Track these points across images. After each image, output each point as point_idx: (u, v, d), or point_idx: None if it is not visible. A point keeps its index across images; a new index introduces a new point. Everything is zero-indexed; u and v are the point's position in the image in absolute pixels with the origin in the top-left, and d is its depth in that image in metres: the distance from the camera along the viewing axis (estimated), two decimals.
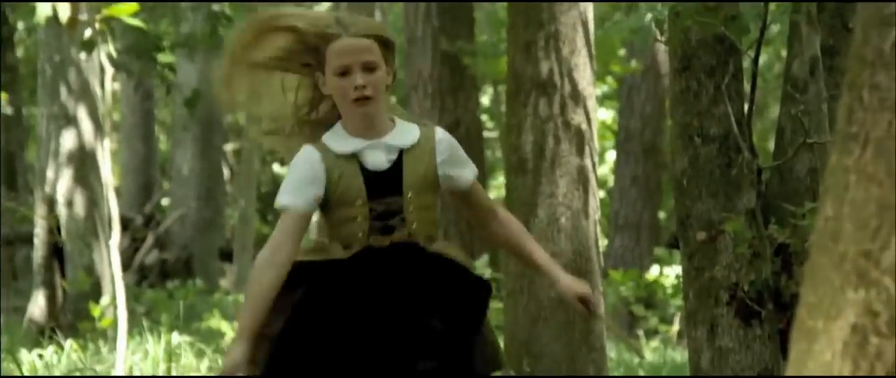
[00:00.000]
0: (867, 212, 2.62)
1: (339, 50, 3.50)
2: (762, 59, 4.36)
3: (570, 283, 3.68)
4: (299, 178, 3.51)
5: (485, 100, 16.07)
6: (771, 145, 5.86)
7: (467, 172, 3.63)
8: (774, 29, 11.34)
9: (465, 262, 3.63)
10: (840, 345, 2.67)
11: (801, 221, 4.36)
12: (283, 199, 3.52)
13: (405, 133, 3.57)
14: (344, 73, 3.48)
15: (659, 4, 4.05)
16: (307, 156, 3.54)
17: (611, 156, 15.52)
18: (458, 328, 3.56)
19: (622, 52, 13.39)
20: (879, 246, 2.61)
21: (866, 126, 2.63)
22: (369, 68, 3.49)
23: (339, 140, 3.55)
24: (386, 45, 3.52)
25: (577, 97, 6.23)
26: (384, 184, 3.53)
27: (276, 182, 18.72)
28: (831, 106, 4.54)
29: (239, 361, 3.36)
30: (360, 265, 3.53)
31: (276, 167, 20.86)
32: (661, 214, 13.82)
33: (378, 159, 3.53)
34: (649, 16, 4.04)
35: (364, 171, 3.53)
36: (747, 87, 4.75)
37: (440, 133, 3.63)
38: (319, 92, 3.57)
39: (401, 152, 3.54)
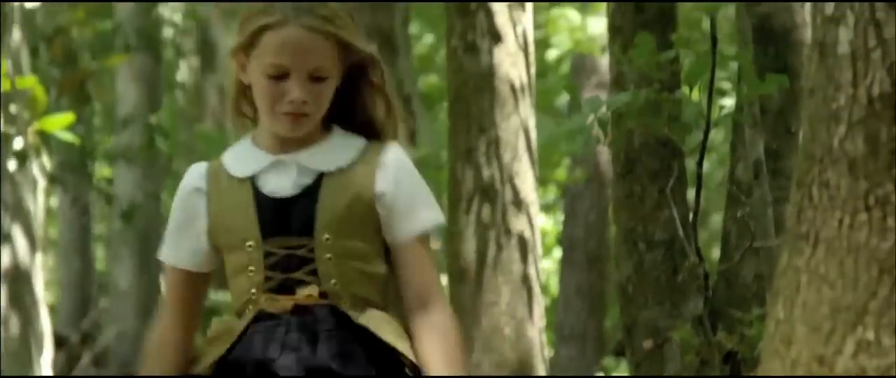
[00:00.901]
0: (820, 314, 2.52)
1: (278, 44, 2.49)
2: (704, 166, 4.30)
3: None
4: (173, 219, 2.60)
5: None
6: (714, 254, 5.78)
7: (410, 224, 2.53)
8: (718, 138, 11.36)
9: (404, 349, 2.50)
10: None
11: (748, 328, 4.27)
12: (162, 248, 2.64)
13: (337, 149, 2.55)
14: (279, 77, 2.51)
15: (603, 106, 3.99)
16: (183, 183, 2.61)
17: (547, 264, 15.47)
18: None
19: (566, 162, 13.39)
20: (833, 350, 2.51)
21: (816, 225, 2.54)
22: (317, 78, 2.51)
23: (240, 155, 2.58)
24: (346, 46, 2.53)
25: (519, 204, 6.16)
26: (287, 218, 2.51)
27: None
28: (776, 209, 4.47)
29: None
30: (247, 347, 2.52)
31: None
32: (607, 324, 13.73)
33: (281, 182, 2.53)
34: (591, 117, 3.97)
35: (259, 198, 2.53)
36: (691, 191, 4.68)
37: (392, 152, 2.56)
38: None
39: (320, 176, 2.53)
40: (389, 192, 2.52)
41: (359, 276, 2.51)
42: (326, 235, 2.49)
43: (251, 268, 2.52)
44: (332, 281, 2.49)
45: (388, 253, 2.57)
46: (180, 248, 2.61)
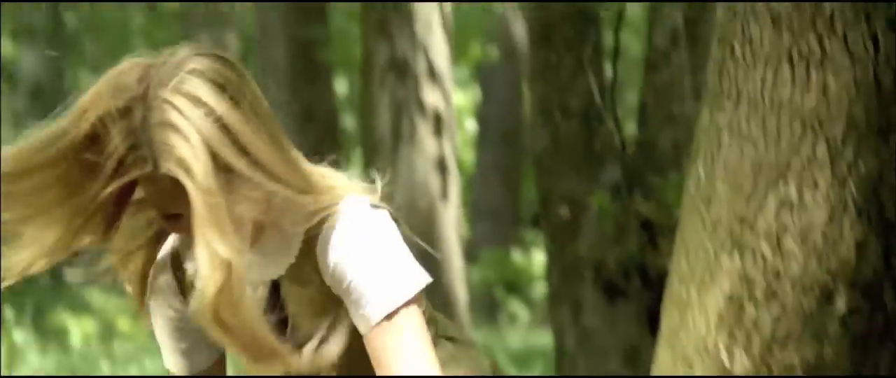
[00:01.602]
0: (741, 173, 2.47)
1: (153, 194, 1.97)
2: (620, 39, 4.27)
3: None
4: (157, 328, 2.16)
5: (345, 88, 15.91)
6: (630, 129, 5.75)
7: (363, 312, 2.00)
8: (635, 12, 11.30)
9: None
10: (715, 315, 2.52)
11: (666, 194, 4.25)
12: (165, 360, 2.19)
13: (277, 247, 2.06)
14: (173, 217, 1.99)
15: None
16: (154, 277, 2.12)
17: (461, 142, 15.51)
18: None
19: (481, 40, 13.32)
20: (755, 209, 2.47)
21: (738, 82, 2.48)
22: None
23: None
24: (188, 172, 1.90)
25: (433, 76, 6.08)
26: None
27: None
28: (695, 77, 4.44)
29: None
30: None
31: None
32: (523, 200, 13.78)
33: None
34: None
35: None
36: (608, 63, 4.64)
37: (327, 228, 2.01)
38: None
39: (275, 285, 2.08)
40: (335, 279, 2.02)
41: None
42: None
43: None
44: None
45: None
46: (175, 351, 2.14)
